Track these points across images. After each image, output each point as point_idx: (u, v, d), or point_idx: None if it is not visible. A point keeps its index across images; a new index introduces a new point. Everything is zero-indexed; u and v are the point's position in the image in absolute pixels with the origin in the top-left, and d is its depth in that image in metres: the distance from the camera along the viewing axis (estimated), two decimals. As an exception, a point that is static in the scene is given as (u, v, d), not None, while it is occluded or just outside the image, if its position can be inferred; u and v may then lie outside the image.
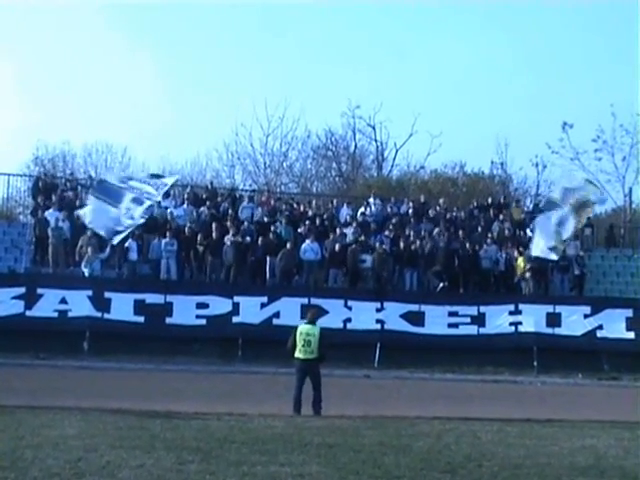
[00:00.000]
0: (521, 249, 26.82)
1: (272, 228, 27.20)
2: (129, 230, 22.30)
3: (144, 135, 63.94)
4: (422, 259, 26.78)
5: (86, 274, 24.35)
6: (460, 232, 28.23)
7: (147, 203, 22.56)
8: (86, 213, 22.43)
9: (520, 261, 26.60)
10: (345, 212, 29.88)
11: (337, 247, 26.12)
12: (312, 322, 15.35)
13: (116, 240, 22.34)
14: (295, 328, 15.30)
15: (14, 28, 63.71)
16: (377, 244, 26.57)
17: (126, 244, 25.13)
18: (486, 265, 26.95)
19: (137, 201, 22.64)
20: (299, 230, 27.22)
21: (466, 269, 26.65)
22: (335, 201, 31.88)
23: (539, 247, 22.58)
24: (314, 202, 31.17)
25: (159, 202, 25.65)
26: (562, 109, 62.62)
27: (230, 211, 28.19)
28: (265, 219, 28.35)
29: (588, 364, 24.03)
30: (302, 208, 29.87)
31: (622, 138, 41.59)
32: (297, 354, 15.03)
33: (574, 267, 27.55)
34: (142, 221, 22.52)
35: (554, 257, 23.07)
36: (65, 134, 76.06)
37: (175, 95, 67.24)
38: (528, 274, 26.21)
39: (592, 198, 22.48)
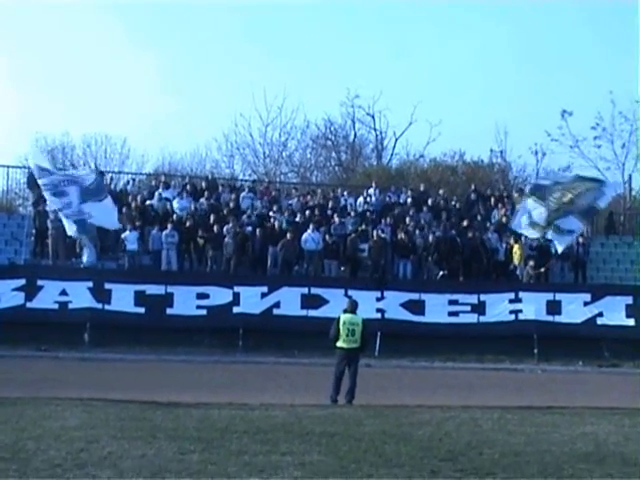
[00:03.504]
0: (519, 238, 26.87)
1: (272, 218, 27.22)
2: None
3: (143, 126, 63.90)
4: (421, 248, 26.78)
5: (83, 265, 24.45)
6: (459, 221, 28.23)
7: (73, 188, 22.32)
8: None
9: (517, 248, 26.61)
10: (346, 201, 29.92)
11: (336, 237, 26.14)
12: (353, 312, 15.35)
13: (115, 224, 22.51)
14: (337, 318, 15.28)
15: (11, 20, 63.52)
16: (374, 232, 26.54)
17: (123, 235, 25.20)
18: (487, 253, 26.97)
19: (59, 194, 22.42)
20: (298, 219, 27.26)
21: (466, 258, 26.64)
22: (339, 190, 31.85)
23: (521, 224, 22.95)
24: (319, 192, 31.16)
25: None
26: (561, 97, 62.55)
27: (230, 202, 28.19)
28: (265, 209, 28.37)
29: (588, 351, 24.06)
30: (303, 198, 29.86)
31: (621, 125, 41.65)
32: (340, 343, 15.06)
33: (577, 254, 27.57)
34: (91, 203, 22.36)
35: (534, 235, 23.42)
36: (64, 126, 75.68)
37: (174, 86, 67.15)
38: (531, 262, 26.20)
39: (584, 191, 22.89)
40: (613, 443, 10.76)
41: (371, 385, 15.94)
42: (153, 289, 23.87)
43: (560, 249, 24.45)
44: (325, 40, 66.01)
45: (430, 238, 27.01)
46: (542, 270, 26.48)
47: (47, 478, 7.76)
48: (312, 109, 73.54)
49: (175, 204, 27.43)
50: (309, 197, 30.02)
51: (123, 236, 25.18)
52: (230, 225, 25.79)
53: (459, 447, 10.07)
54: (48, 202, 23.28)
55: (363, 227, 27.29)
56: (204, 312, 23.90)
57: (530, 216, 23.69)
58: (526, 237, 26.71)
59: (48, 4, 60.51)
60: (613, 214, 33.77)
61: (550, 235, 24.05)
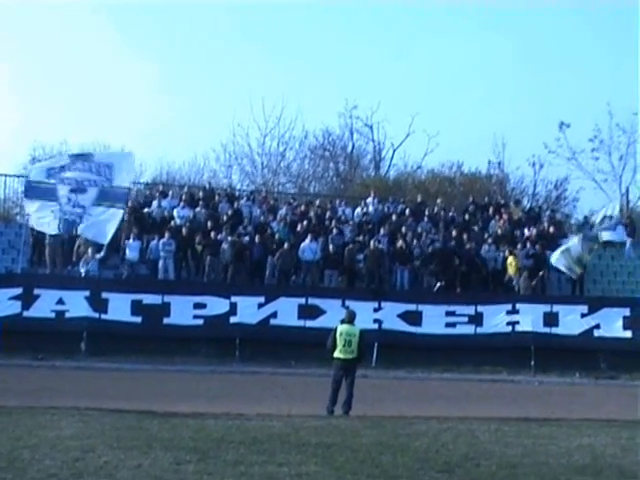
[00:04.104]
0: (514, 249, 27.00)
1: (270, 228, 27.22)
2: (106, 220, 22.39)
3: (141, 136, 63.85)
4: (419, 259, 26.78)
5: (82, 274, 24.39)
6: (457, 232, 28.23)
7: (94, 189, 22.59)
8: (32, 220, 22.63)
9: (511, 259, 26.63)
10: (343, 212, 29.92)
11: (334, 247, 26.14)
12: (351, 322, 15.33)
13: (106, 239, 22.62)
14: (334, 328, 15.29)
15: (10, 27, 63.59)
16: (371, 242, 26.52)
17: (126, 242, 25.20)
18: (485, 264, 26.99)
19: (79, 190, 22.70)
20: (296, 229, 27.28)
21: (463, 269, 26.62)
22: (337, 201, 31.84)
23: (561, 260, 23.40)
24: (316, 202, 31.13)
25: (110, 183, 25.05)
26: (559, 108, 62.80)
27: (228, 211, 28.17)
28: (263, 219, 28.37)
29: (585, 363, 24.05)
30: (301, 208, 29.84)
31: (619, 137, 41.82)
32: (337, 354, 15.08)
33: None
34: (102, 208, 22.58)
35: (574, 275, 23.98)
36: (62, 135, 75.66)
37: (172, 95, 67.26)
38: (525, 273, 26.22)
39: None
40: (610, 455, 10.75)
41: (368, 396, 15.91)
42: (150, 298, 23.82)
43: (576, 275, 25.25)
44: (324, 50, 66.16)
45: (427, 249, 27.01)
46: (534, 282, 26.41)
47: (43, 487, 7.75)
48: (310, 120, 73.33)
49: (174, 213, 27.40)
50: (303, 207, 29.90)
51: (126, 244, 25.18)
52: (227, 234, 25.76)
53: (456, 458, 10.05)
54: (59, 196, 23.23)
55: (361, 238, 27.27)
56: (201, 322, 23.85)
57: (569, 253, 24.12)
58: (522, 249, 26.88)
59: (48, 13, 60.80)
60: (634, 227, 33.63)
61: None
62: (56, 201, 22.65)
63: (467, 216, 30.24)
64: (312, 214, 28.92)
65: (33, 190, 23.24)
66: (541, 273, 26.86)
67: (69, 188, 22.80)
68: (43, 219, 22.91)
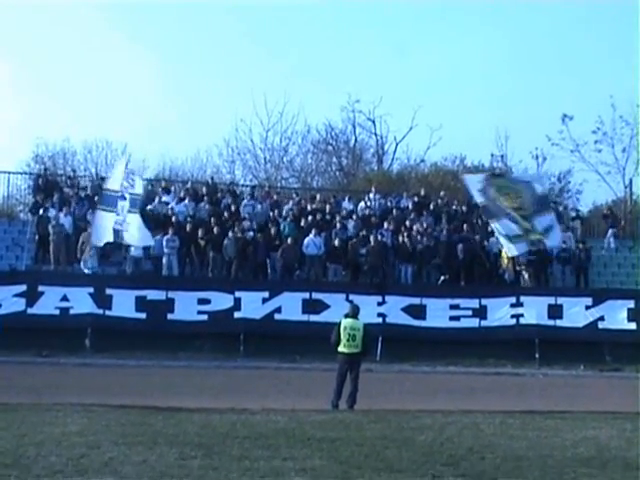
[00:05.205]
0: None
1: (273, 223, 27.20)
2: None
3: (144, 132, 63.83)
4: (423, 252, 26.74)
5: (86, 272, 24.42)
6: (460, 225, 28.21)
7: (129, 197, 23.08)
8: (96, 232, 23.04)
9: (504, 252, 26.55)
10: (346, 206, 29.91)
11: (338, 241, 26.13)
12: (355, 317, 15.33)
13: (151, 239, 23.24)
14: (338, 323, 15.29)
15: (12, 25, 63.62)
16: (371, 237, 26.49)
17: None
18: (489, 258, 26.96)
19: (122, 198, 23.21)
20: (300, 224, 27.26)
21: (467, 262, 26.59)
22: (340, 195, 31.81)
23: (508, 248, 23.24)
24: (317, 196, 31.11)
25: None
26: (562, 101, 62.62)
27: (232, 207, 28.17)
28: (266, 214, 28.35)
29: (590, 355, 24.04)
30: (304, 203, 29.82)
31: (622, 129, 41.59)
32: (341, 348, 15.08)
33: (578, 258, 27.59)
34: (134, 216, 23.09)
35: (524, 249, 23.62)
36: (65, 131, 75.71)
37: (175, 91, 67.22)
38: (523, 267, 26.15)
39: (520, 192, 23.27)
40: (615, 447, 10.75)
41: (372, 390, 15.92)
42: (154, 294, 23.82)
43: (558, 242, 24.83)
44: (326, 45, 66.17)
45: (431, 242, 26.98)
46: (525, 269, 26.28)
47: (48, 484, 7.76)
48: (313, 114, 73.58)
49: (175, 209, 27.40)
50: (303, 202, 29.87)
51: None
52: (231, 230, 25.75)
53: (461, 452, 10.06)
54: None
55: (365, 232, 27.24)
56: (205, 317, 23.86)
57: (501, 234, 23.77)
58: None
59: (50, 11, 60.76)
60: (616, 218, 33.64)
61: (545, 241, 24.32)
62: (114, 211, 23.17)
63: (470, 209, 30.19)
64: (315, 208, 28.90)
65: (105, 198, 23.66)
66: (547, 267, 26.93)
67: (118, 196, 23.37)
68: (103, 229, 23.32)
